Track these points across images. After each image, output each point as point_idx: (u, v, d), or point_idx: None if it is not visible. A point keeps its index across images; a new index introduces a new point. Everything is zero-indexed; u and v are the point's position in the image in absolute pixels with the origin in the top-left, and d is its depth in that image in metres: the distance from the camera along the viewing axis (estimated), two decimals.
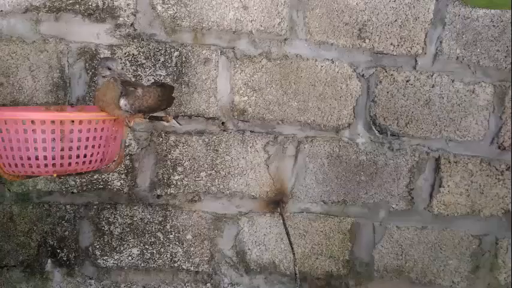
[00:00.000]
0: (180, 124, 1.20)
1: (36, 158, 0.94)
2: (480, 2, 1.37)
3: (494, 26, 1.40)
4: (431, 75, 1.43)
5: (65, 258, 1.46)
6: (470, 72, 1.43)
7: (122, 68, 1.00)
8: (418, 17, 1.39)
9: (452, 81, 1.43)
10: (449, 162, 1.48)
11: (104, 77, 0.98)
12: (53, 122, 0.92)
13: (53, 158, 0.94)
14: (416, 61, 1.42)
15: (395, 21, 1.39)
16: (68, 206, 1.43)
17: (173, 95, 1.18)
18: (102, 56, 1.34)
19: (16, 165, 0.95)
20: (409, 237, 1.52)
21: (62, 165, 0.96)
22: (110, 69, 0.97)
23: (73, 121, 0.94)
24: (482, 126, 1.46)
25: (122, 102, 0.97)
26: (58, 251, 1.45)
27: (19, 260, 1.45)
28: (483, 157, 1.48)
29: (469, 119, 1.46)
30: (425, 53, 1.42)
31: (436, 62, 1.43)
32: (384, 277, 1.54)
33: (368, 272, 1.54)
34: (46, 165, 0.94)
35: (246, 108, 1.42)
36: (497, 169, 1.49)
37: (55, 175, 0.98)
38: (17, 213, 1.42)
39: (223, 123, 1.43)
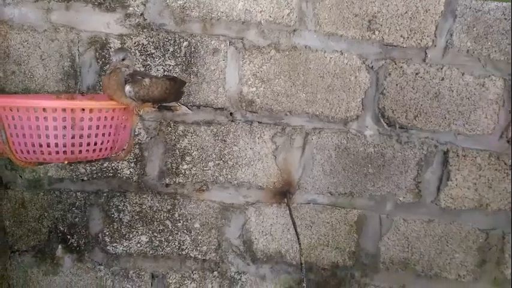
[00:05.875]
0: (191, 110, 1.20)
1: (48, 145, 0.95)
2: None
3: (505, 19, 1.39)
4: (441, 68, 1.42)
5: (75, 244, 1.49)
6: (481, 65, 1.42)
7: (128, 58, 1.01)
8: (429, 9, 1.37)
9: (462, 74, 1.42)
10: (457, 155, 1.47)
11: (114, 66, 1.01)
12: (64, 110, 0.93)
13: (64, 146, 0.96)
14: (426, 54, 1.42)
15: (405, 13, 1.38)
16: (78, 193, 1.46)
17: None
18: (112, 45, 1.35)
19: (28, 152, 0.96)
20: (415, 229, 1.53)
21: (72, 152, 0.97)
22: (113, 59, 1.01)
23: (84, 109, 0.95)
24: (491, 120, 1.45)
25: (127, 88, 0.99)
26: (68, 237, 1.48)
27: (30, 245, 1.48)
28: (492, 151, 1.47)
29: (478, 113, 1.45)
30: (435, 46, 1.41)
31: (446, 55, 1.42)
32: (390, 269, 1.55)
33: (374, 264, 1.55)
34: (57, 152, 0.96)
35: (254, 99, 1.42)
36: (505, 163, 1.48)
37: (66, 162, 1.00)
38: (29, 200, 1.45)
39: (231, 113, 1.44)
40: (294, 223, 1.45)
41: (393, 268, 1.55)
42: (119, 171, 1.45)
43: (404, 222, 1.52)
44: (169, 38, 1.36)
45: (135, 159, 1.44)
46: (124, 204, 1.47)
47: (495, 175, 1.49)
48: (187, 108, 1.17)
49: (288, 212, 1.48)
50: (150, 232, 1.49)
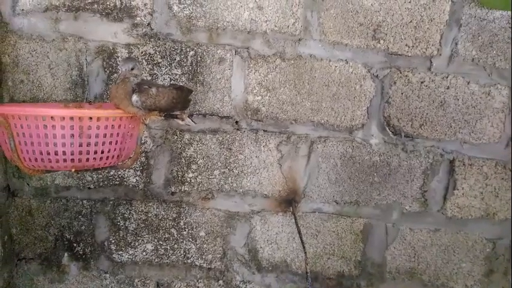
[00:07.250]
0: (195, 123, 1.22)
1: (56, 153, 0.96)
2: (497, 4, 1.36)
3: (511, 27, 1.39)
4: (447, 77, 1.42)
5: (81, 252, 1.49)
6: (486, 74, 1.42)
7: (136, 68, 1.03)
8: (434, 18, 1.38)
9: (468, 83, 1.42)
10: (463, 164, 1.47)
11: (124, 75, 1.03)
12: (71, 118, 0.95)
13: (72, 154, 0.97)
14: (431, 62, 1.42)
15: (410, 22, 1.38)
16: (84, 201, 1.46)
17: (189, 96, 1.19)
18: (119, 54, 1.37)
19: (36, 160, 0.98)
20: (422, 239, 1.52)
21: (80, 160, 0.98)
22: (122, 68, 1.02)
23: (91, 118, 0.97)
24: (497, 128, 1.45)
25: (134, 98, 1.00)
26: (74, 245, 1.49)
27: (37, 253, 1.48)
28: (498, 160, 1.47)
29: (484, 121, 1.44)
30: (440, 54, 1.41)
31: (451, 64, 1.42)
32: (396, 279, 1.54)
33: (380, 273, 1.54)
34: (65, 161, 0.97)
35: (260, 108, 1.43)
36: None
37: (73, 170, 1.00)
38: (36, 207, 1.46)
39: (237, 122, 1.44)
40: (299, 232, 1.44)
41: (399, 278, 1.54)
42: (125, 179, 1.45)
43: (410, 231, 1.51)
44: (176, 48, 1.38)
45: (141, 168, 1.45)
46: (130, 213, 1.47)
47: (502, 184, 1.48)
48: (190, 121, 1.18)
49: (293, 220, 1.48)
50: (156, 240, 1.49)
